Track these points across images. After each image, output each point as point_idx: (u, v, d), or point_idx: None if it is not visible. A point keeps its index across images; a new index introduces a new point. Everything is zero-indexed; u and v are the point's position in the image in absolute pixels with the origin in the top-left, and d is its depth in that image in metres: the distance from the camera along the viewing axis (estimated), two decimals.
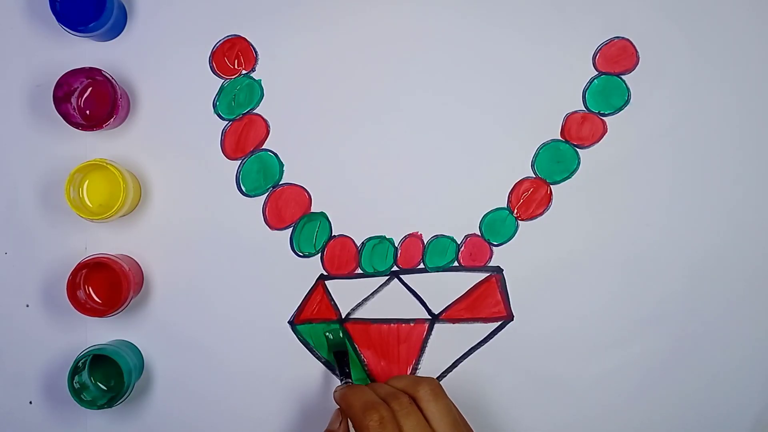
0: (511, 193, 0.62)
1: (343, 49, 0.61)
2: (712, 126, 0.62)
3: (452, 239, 0.61)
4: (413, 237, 0.61)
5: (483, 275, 0.61)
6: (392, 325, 0.61)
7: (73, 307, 0.57)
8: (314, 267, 0.61)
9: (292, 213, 0.61)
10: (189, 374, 0.61)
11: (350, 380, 0.58)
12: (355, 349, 0.61)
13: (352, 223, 0.61)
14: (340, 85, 0.61)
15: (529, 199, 0.62)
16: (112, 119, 0.57)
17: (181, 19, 0.61)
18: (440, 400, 0.53)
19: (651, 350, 0.62)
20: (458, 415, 0.54)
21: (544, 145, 0.62)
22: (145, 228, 0.61)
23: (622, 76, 0.62)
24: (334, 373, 0.61)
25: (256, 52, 0.61)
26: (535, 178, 0.62)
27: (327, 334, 0.61)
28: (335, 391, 0.56)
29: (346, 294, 0.61)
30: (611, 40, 0.62)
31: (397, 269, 0.61)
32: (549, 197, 0.62)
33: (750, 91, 0.62)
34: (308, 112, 0.61)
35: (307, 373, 0.61)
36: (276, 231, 0.61)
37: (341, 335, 0.61)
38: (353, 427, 0.53)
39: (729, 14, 0.62)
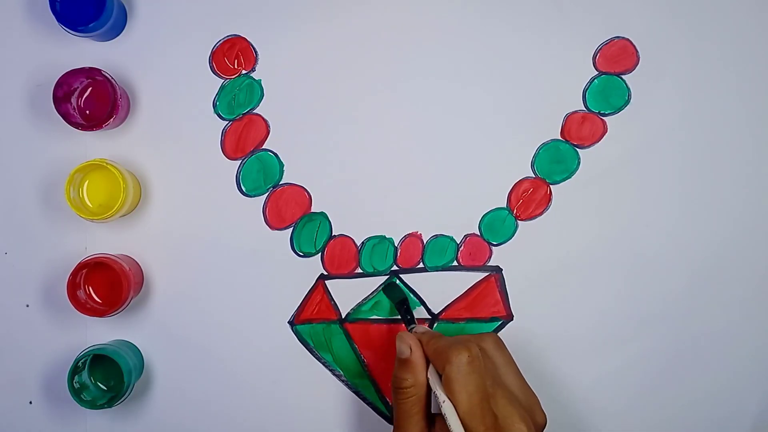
0: (510, 193, 0.62)
1: (343, 50, 0.61)
2: (712, 126, 0.62)
3: (452, 239, 0.61)
4: (413, 237, 0.61)
5: (482, 275, 0.61)
6: (392, 325, 0.61)
7: (73, 307, 0.57)
8: (314, 267, 0.61)
9: (292, 213, 0.61)
10: (189, 374, 0.61)
11: (415, 326, 0.58)
12: (354, 349, 0.61)
13: (352, 222, 0.61)
14: (340, 85, 0.61)
15: (529, 199, 0.62)
16: (112, 119, 0.57)
17: (181, 19, 0.61)
18: (505, 350, 0.54)
19: (651, 350, 0.62)
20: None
21: (543, 145, 0.62)
22: (145, 228, 0.61)
23: (622, 76, 0.62)
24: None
25: (256, 52, 0.61)
26: (534, 178, 0.62)
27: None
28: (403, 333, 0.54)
29: (346, 294, 0.61)
30: (611, 40, 0.62)
31: (397, 269, 0.61)
32: (549, 197, 0.62)
33: (750, 91, 0.62)
34: (308, 112, 0.61)
35: (306, 373, 0.61)
36: (276, 231, 0.61)
37: (398, 285, 0.61)
38: (436, 361, 0.51)
39: (729, 14, 0.62)
